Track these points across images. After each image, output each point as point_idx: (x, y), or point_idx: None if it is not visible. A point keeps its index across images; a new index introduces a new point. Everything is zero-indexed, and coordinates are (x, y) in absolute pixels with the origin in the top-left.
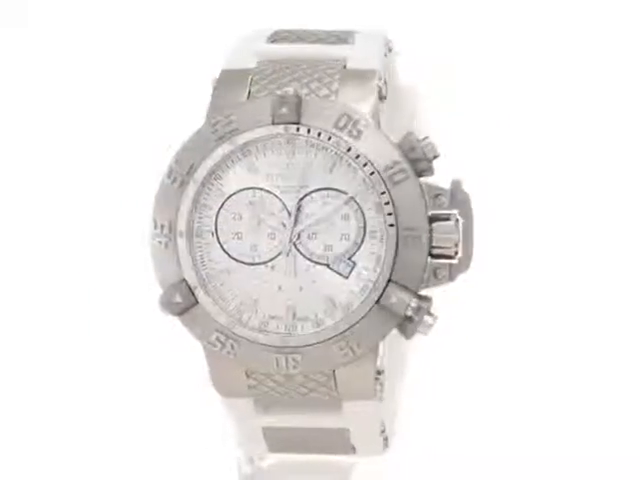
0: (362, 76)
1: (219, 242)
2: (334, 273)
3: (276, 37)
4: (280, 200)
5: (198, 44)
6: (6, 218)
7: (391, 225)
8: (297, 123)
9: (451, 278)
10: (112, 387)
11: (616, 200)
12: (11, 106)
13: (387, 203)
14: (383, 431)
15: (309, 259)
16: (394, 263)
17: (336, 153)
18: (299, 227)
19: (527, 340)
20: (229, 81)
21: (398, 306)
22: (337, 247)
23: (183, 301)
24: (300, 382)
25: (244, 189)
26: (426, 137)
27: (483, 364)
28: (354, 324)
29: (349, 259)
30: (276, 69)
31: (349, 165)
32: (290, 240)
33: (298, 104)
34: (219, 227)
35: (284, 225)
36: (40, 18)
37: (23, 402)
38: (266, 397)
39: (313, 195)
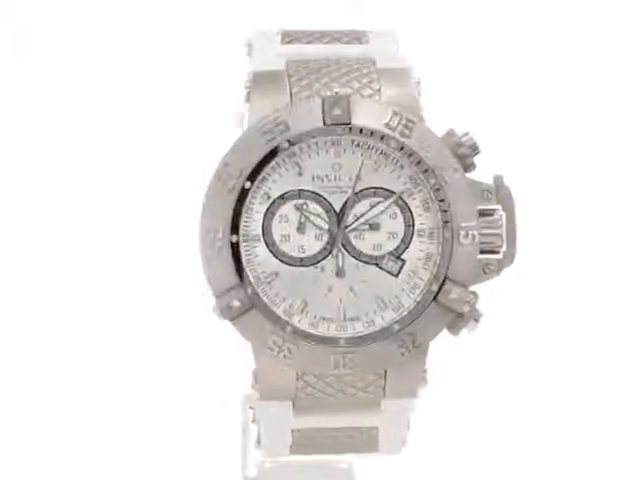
0: (399, 75)
1: (267, 245)
2: (384, 272)
3: (289, 37)
4: (327, 201)
5: (193, 44)
6: (6, 219)
7: (446, 222)
8: (349, 123)
9: (498, 273)
10: (112, 388)
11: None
12: (11, 106)
13: (442, 200)
14: (408, 428)
15: (358, 259)
16: (450, 260)
17: (382, 152)
18: (346, 227)
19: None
20: (265, 83)
21: (457, 302)
22: (385, 246)
23: (242, 305)
24: (350, 382)
25: (290, 191)
26: (467, 133)
27: (486, 366)
28: (410, 322)
29: (398, 257)
30: (311, 70)
31: (395, 163)
32: (338, 241)
33: (349, 104)
34: (266, 230)
35: (332, 226)
36: (40, 18)
37: (28, 402)
38: (311, 399)
39: (360, 195)
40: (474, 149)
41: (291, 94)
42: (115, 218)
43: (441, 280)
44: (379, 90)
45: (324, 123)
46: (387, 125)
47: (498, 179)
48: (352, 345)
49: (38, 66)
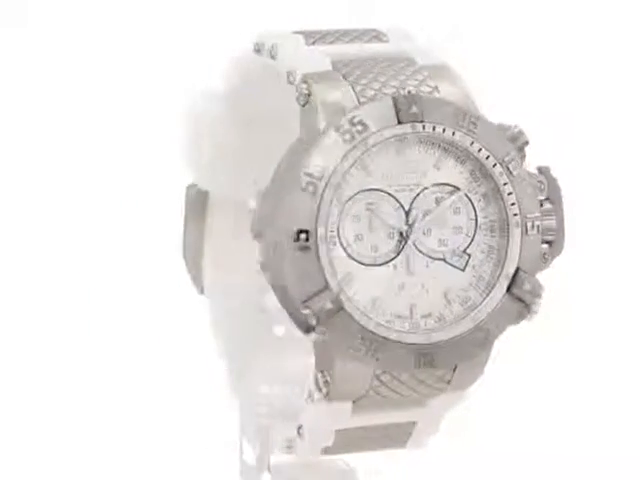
0: (445, 71)
1: (342, 246)
2: (451, 267)
3: (312, 38)
4: (396, 199)
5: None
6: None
7: (515, 214)
8: (422, 121)
9: (550, 263)
10: (112, 389)
11: None
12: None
13: (510, 193)
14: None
15: (427, 255)
16: (521, 251)
17: (444, 149)
18: (416, 225)
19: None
20: (323, 83)
21: (530, 293)
22: (451, 241)
23: (333, 307)
24: (422, 379)
25: (361, 191)
26: (516, 125)
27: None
28: (485, 316)
29: (463, 252)
30: (363, 69)
31: (457, 159)
32: (409, 238)
33: (423, 102)
34: (341, 231)
35: (401, 224)
36: (40, 18)
37: (30, 402)
38: (378, 398)
39: (426, 192)
40: (525, 141)
41: (356, 94)
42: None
43: (512, 272)
44: (436, 87)
45: (399, 122)
46: (456, 122)
47: (545, 170)
48: (429, 343)
49: (36, 66)
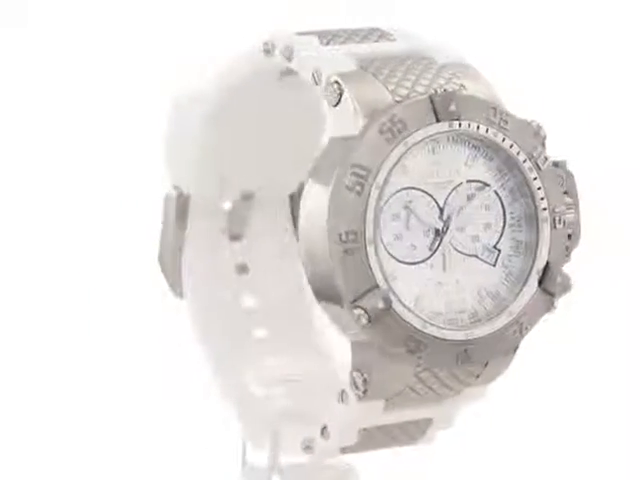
0: (466, 69)
1: (384, 245)
2: (482, 263)
3: (324, 38)
4: (431, 197)
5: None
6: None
7: (544, 209)
8: (459, 119)
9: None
10: (97, 397)
11: None
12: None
13: (539, 188)
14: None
15: (461, 252)
16: (550, 246)
17: (474, 146)
18: (450, 222)
19: None
20: (355, 83)
21: (562, 286)
22: (482, 237)
23: (385, 305)
24: (457, 375)
25: (400, 190)
26: (533, 120)
27: None
28: (518, 310)
29: (494, 247)
30: (391, 68)
31: (485, 156)
32: (445, 235)
33: (458, 100)
34: (382, 230)
35: (437, 222)
36: (40, 18)
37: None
38: (413, 395)
39: (458, 189)
40: (545, 135)
41: (390, 93)
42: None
43: (543, 266)
44: (463, 85)
45: (437, 120)
46: (488, 119)
47: (562, 164)
48: (467, 340)
49: (36, 65)
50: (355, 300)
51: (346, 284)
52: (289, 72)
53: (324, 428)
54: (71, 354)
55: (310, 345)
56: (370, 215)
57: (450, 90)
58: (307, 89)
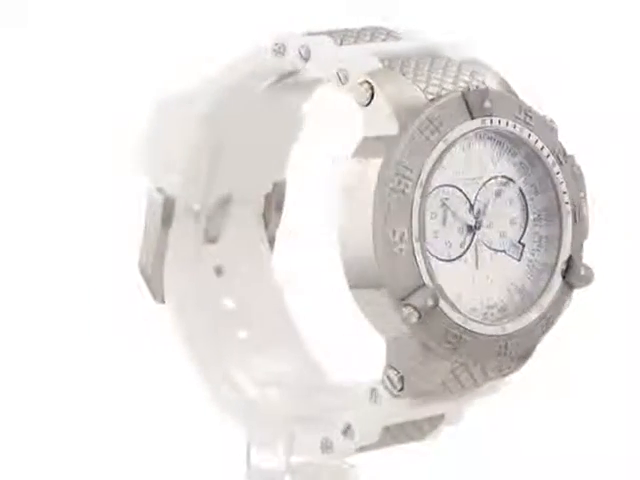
0: (481, 65)
1: (425, 242)
2: (510, 258)
3: (337, 38)
4: (464, 193)
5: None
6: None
7: (566, 203)
8: (491, 115)
9: None
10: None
11: None
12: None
13: (562, 182)
14: None
15: (491, 248)
16: (572, 239)
17: (499, 142)
18: (482, 218)
19: None
20: (385, 82)
21: (586, 279)
22: (509, 232)
23: (433, 302)
24: (487, 369)
25: (437, 187)
26: (545, 114)
27: None
28: (547, 304)
29: (519, 242)
30: (415, 66)
31: (509, 152)
32: (477, 232)
33: (491, 97)
34: (422, 228)
35: (470, 218)
36: (40, 18)
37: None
38: (443, 391)
39: (487, 185)
40: (557, 130)
41: (422, 91)
42: None
43: (566, 259)
44: (483, 82)
45: (471, 117)
46: (515, 115)
47: (571, 159)
48: (504, 334)
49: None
50: (404, 299)
51: (395, 283)
52: (292, 74)
53: (348, 427)
54: (69, 359)
55: (293, 343)
56: (415, 214)
57: (482, 87)
58: (299, 91)
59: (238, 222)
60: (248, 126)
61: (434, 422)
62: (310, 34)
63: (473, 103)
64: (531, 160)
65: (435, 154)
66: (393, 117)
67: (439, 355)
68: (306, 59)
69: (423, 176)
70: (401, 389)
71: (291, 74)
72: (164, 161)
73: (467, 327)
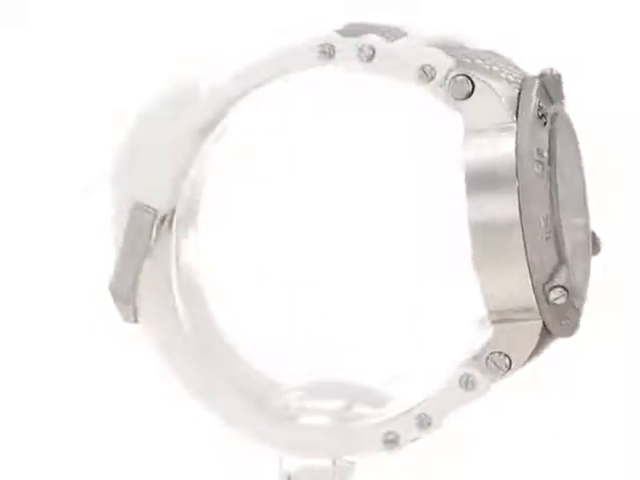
0: (502, 56)
1: None
2: None
3: (382, 36)
4: None
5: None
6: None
7: None
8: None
9: None
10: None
11: None
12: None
13: None
14: None
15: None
16: None
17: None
18: None
19: None
20: (484, 75)
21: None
22: None
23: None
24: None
25: None
26: None
27: None
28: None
29: None
30: (475, 58)
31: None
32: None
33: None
34: None
35: None
36: (40, 18)
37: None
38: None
39: None
40: None
41: (507, 80)
42: None
43: None
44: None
45: (551, 101)
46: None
47: None
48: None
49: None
50: (547, 282)
51: (539, 271)
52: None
53: (428, 419)
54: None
55: None
56: (554, 198)
57: (556, 72)
58: None
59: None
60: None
61: None
62: (358, 35)
63: (552, 88)
64: None
65: (553, 137)
66: (501, 106)
67: (552, 335)
68: (370, 59)
69: (552, 159)
70: (507, 371)
71: None
72: (153, 175)
73: (575, 305)
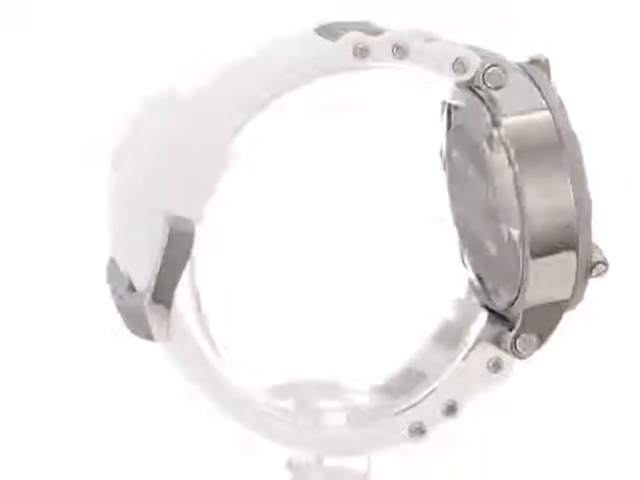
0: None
1: None
2: None
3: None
4: None
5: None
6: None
7: None
8: None
9: None
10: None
11: None
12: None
13: None
14: None
15: None
16: None
17: None
18: None
19: None
20: (507, 64)
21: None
22: None
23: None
24: None
25: None
26: None
27: None
28: None
29: None
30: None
31: None
32: None
33: None
34: None
35: None
36: (40, 18)
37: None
38: None
39: None
40: None
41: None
42: None
43: None
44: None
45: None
46: None
47: None
48: None
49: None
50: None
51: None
52: None
53: (453, 405)
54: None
55: None
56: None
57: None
58: None
59: None
60: None
61: None
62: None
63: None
64: None
65: None
66: (533, 93)
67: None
68: (402, 57)
69: None
70: (535, 349)
71: None
72: (194, 193)
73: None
